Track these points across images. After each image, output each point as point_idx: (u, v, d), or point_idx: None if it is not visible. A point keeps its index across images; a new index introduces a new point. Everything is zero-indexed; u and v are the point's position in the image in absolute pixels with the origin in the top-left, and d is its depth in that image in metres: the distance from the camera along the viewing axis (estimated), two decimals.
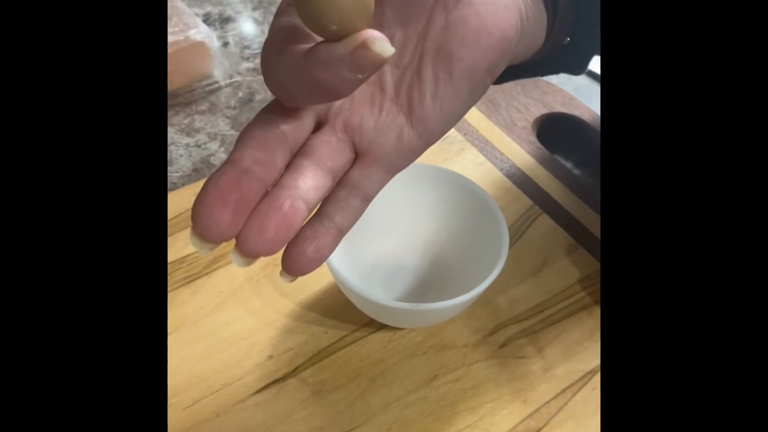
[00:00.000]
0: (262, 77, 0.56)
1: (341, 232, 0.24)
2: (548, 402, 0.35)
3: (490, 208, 0.37)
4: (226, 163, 0.21)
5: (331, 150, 0.24)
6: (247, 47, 0.60)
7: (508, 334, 0.38)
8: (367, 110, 0.26)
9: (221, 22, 0.62)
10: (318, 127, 0.25)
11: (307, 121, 0.24)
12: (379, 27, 0.25)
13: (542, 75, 0.33)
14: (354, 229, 0.38)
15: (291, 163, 0.24)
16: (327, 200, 0.25)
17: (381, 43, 0.18)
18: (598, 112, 0.52)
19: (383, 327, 0.37)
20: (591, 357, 0.37)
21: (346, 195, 0.25)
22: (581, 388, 0.35)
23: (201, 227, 0.20)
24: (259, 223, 0.21)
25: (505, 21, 0.25)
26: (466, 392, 0.35)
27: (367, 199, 0.26)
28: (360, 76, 0.19)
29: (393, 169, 0.26)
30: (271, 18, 0.64)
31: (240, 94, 0.55)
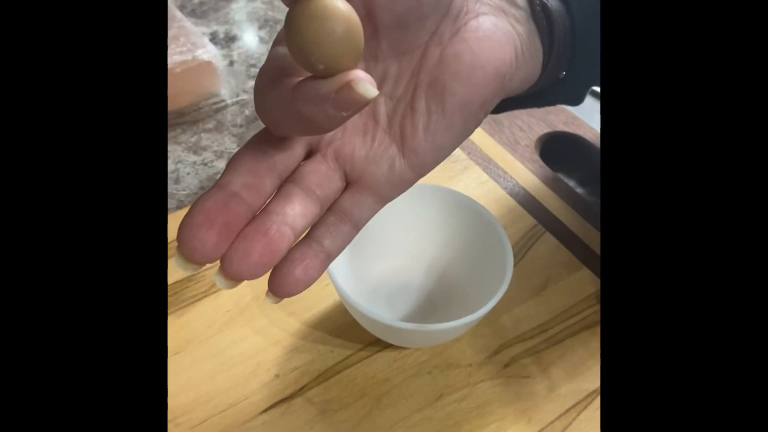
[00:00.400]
0: None
1: (329, 257, 0.24)
2: (552, 422, 0.35)
3: (494, 229, 0.37)
4: (215, 187, 0.22)
5: (320, 178, 0.25)
6: (253, 66, 0.60)
7: (512, 353, 0.38)
8: (359, 140, 0.26)
9: (227, 40, 0.63)
10: (309, 154, 0.26)
11: (298, 149, 0.24)
12: (375, 59, 0.25)
13: (539, 106, 0.33)
14: (360, 249, 0.38)
15: (280, 190, 0.24)
16: (317, 225, 0.25)
17: (365, 85, 0.19)
18: (594, 126, 0.53)
19: (389, 346, 0.38)
20: (594, 377, 0.37)
21: (336, 221, 0.25)
22: (585, 407, 0.36)
23: (186, 248, 0.20)
24: (245, 246, 0.21)
25: (498, 57, 0.25)
26: (471, 412, 0.35)
27: (357, 227, 0.26)
28: (344, 114, 0.19)
29: (384, 199, 0.26)
30: (276, 36, 0.64)
31: (246, 112, 0.56)
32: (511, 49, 0.26)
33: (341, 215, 0.25)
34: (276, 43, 0.24)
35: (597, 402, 0.36)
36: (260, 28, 0.65)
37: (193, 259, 0.21)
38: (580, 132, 0.53)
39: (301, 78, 0.20)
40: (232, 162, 0.23)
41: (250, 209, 0.22)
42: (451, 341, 0.38)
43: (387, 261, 0.40)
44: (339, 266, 0.35)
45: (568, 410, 0.35)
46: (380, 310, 0.38)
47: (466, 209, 0.39)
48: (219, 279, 0.21)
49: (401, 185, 0.27)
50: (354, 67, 0.19)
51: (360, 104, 0.19)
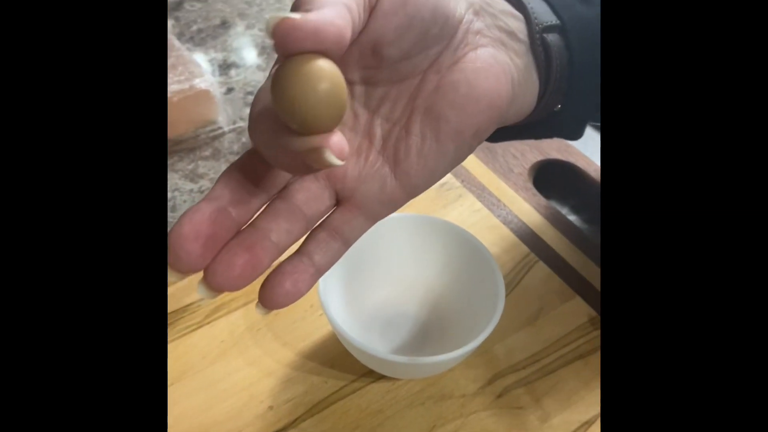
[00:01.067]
0: None
1: (319, 272, 0.25)
2: None
3: (486, 259, 0.37)
4: (204, 200, 0.22)
5: (309, 196, 0.25)
6: (250, 93, 0.61)
7: (505, 383, 0.38)
8: (352, 160, 0.26)
9: (225, 67, 0.64)
10: None
11: None
12: (375, 84, 0.26)
13: (536, 138, 0.34)
14: (353, 279, 0.39)
15: (268, 206, 0.24)
16: (308, 240, 0.26)
17: (330, 157, 0.20)
18: (593, 158, 0.54)
19: (382, 377, 0.38)
20: (587, 407, 0.37)
21: (327, 237, 0.26)
22: None
23: (173, 257, 0.21)
24: (228, 259, 0.22)
25: (494, 89, 0.26)
26: None
27: (347, 244, 0.26)
28: (315, 168, 0.20)
29: (374, 217, 0.27)
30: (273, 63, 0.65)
31: (243, 139, 0.56)
32: (508, 81, 0.27)
33: (332, 232, 0.26)
34: (275, 65, 0.24)
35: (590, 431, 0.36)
36: (258, 55, 0.66)
37: (178, 267, 0.21)
38: (572, 160, 0.53)
39: (282, 123, 0.21)
40: (223, 176, 0.23)
41: (236, 224, 0.23)
42: (444, 372, 0.38)
43: (380, 291, 0.41)
44: (332, 297, 0.36)
45: None
46: (374, 341, 0.38)
47: (459, 240, 0.39)
48: (201, 288, 0.22)
49: (391, 205, 0.27)
50: (332, 127, 0.20)
51: (326, 167, 0.20)
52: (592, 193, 0.52)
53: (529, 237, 0.47)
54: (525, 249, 0.46)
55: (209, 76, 0.56)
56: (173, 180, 0.52)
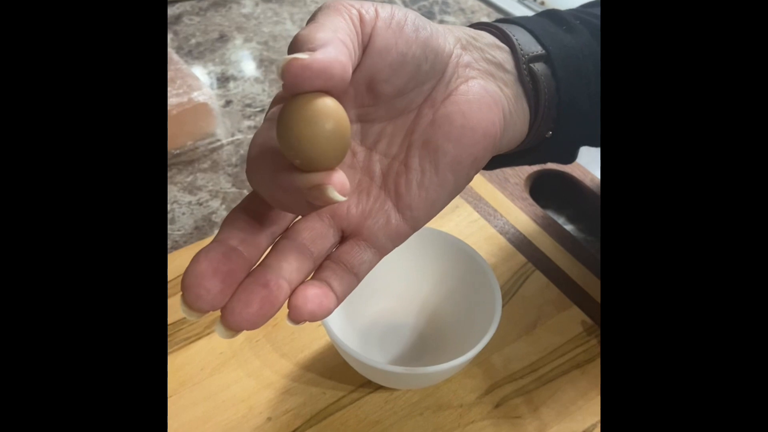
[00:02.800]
0: None
1: (338, 300, 0.25)
2: None
3: (483, 270, 0.38)
4: (214, 242, 0.22)
5: (315, 235, 0.25)
6: (248, 105, 0.62)
7: (503, 393, 0.38)
8: (354, 198, 0.27)
9: (223, 80, 0.65)
10: None
11: None
12: (372, 121, 0.27)
13: (529, 164, 0.34)
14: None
15: (275, 246, 0.25)
16: (322, 269, 0.25)
17: (334, 193, 0.20)
18: (589, 168, 0.54)
19: (380, 388, 0.38)
20: (585, 416, 0.37)
21: (340, 270, 0.25)
22: None
23: (192, 295, 0.21)
24: (245, 297, 0.22)
25: (488, 119, 0.27)
26: None
27: (358, 278, 0.26)
28: (316, 206, 0.21)
29: (382, 251, 0.27)
30: (272, 76, 0.66)
31: (241, 151, 0.57)
32: (500, 110, 0.27)
33: (343, 266, 0.26)
34: (274, 103, 0.25)
35: None
36: (256, 68, 0.67)
37: (198, 305, 0.21)
38: (569, 170, 0.54)
39: (283, 163, 0.21)
40: (228, 219, 0.23)
41: (248, 263, 0.23)
42: (442, 382, 0.39)
43: (378, 303, 0.41)
44: None
45: None
46: (372, 352, 0.38)
47: (456, 250, 0.39)
48: (219, 328, 0.22)
49: (397, 239, 0.27)
50: (335, 165, 0.20)
51: (329, 203, 0.20)
52: (588, 203, 0.52)
53: (525, 247, 0.47)
54: (522, 259, 0.46)
55: (207, 89, 0.56)
56: (172, 192, 0.52)
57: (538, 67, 0.30)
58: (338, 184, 0.20)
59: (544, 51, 0.30)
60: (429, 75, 0.26)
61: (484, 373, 0.39)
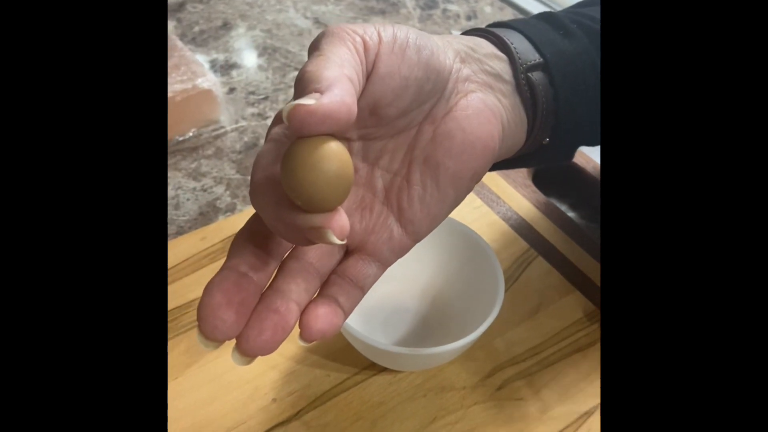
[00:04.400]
0: (266, 122, 0.58)
1: (345, 315, 0.26)
2: None
3: (486, 253, 0.38)
4: (225, 269, 0.23)
5: (321, 254, 0.26)
6: (252, 93, 0.62)
7: (505, 376, 0.39)
8: (357, 215, 0.27)
9: (227, 68, 0.65)
10: None
11: None
12: (374, 139, 0.27)
13: (528, 167, 0.34)
14: None
15: (283, 266, 0.25)
16: (329, 285, 0.26)
17: (332, 237, 0.20)
18: (592, 155, 0.54)
19: (384, 370, 0.38)
20: (586, 398, 0.38)
21: (346, 285, 0.26)
22: (577, 429, 0.36)
23: (209, 326, 0.22)
24: (259, 324, 0.22)
25: (487, 133, 0.27)
26: None
27: (363, 291, 0.27)
28: (316, 243, 0.21)
29: (385, 264, 0.28)
30: (275, 64, 0.66)
31: (245, 138, 0.57)
32: (498, 122, 0.28)
33: (349, 281, 0.26)
34: (275, 122, 0.25)
35: (588, 424, 0.37)
36: (259, 55, 0.67)
37: (215, 336, 0.22)
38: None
39: (285, 196, 0.21)
40: (236, 244, 0.24)
41: (259, 287, 0.23)
42: (445, 364, 0.39)
43: (381, 286, 0.41)
44: None
45: (560, 431, 0.36)
46: (375, 335, 0.39)
47: (458, 235, 0.40)
48: (235, 356, 0.23)
49: (400, 252, 0.28)
50: (336, 206, 0.21)
51: (327, 244, 0.21)
52: (590, 190, 0.52)
53: (528, 233, 0.48)
54: (524, 245, 0.47)
55: (211, 75, 0.56)
56: (176, 179, 0.52)
57: (536, 76, 0.30)
58: (337, 228, 0.20)
59: (542, 59, 0.30)
60: (431, 94, 0.26)
61: (487, 356, 0.40)
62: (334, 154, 0.20)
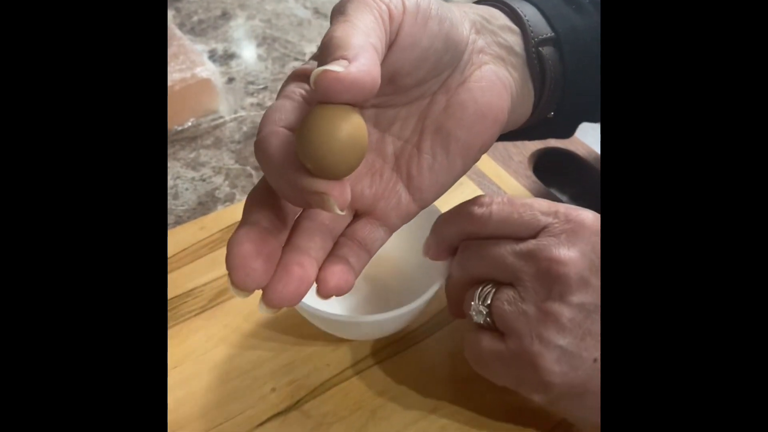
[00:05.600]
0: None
1: (356, 276, 0.27)
2: None
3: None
4: (247, 224, 0.23)
5: (332, 215, 0.26)
6: (251, 83, 0.61)
7: None
8: (367, 180, 0.28)
9: (226, 58, 0.64)
10: None
11: None
12: (388, 107, 0.27)
13: (530, 140, 0.35)
14: None
15: (299, 225, 0.26)
16: (340, 246, 0.27)
17: (333, 205, 0.21)
18: (593, 147, 0.54)
19: (384, 359, 0.38)
20: None
21: (356, 246, 0.27)
22: None
23: (241, 274, 0.22)
24: (286, 276, 0.23)
25: (498, 107, 0.27)
26: (466, 424, 0.36)
27: (370, 254, 0.27)
28: (314, 207, 0.22)
29: (392, 229, 0.28)
30: (274, 54, 0.65)
31: (244, 128, 0.57)
32: (508, 95, 0.28)
33: (358, 243, 0.27)
34: (291, 78, 0.25)
35: None
36: (258, 45, 0.67)
37: (246, 284, 0.23)
38: (573, 148, 0.54)
39: (293, 155, 0.21)
40: (252, 202, 0.24)
41: (280, 242, 0.24)
42: (445, 354, 0.39)
43: None
44: None
45: (560, 422, 0.36)
46: (331, 306, 0.38)
47: None
48: (262, 307, 0.24)
49: (407, 218, 0.28)
50: (344, 175, 0.21)
51: (327, 210, 0.21)
52: (591, 181, 0.52)
53: None
54: None
55: (210, 65, 0.56)
56: (175, 168, 0.52)
57: (547, 51, 0.30)
58: (339, 197, 0.21)
59: (553, 34, 0.30)
60: (447, 65, 0.27)
61: None
62: (352, 123, 0.20)
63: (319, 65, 0.20)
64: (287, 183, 0.21)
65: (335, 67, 0.20)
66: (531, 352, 0.27)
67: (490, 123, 0.27)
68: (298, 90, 0.24)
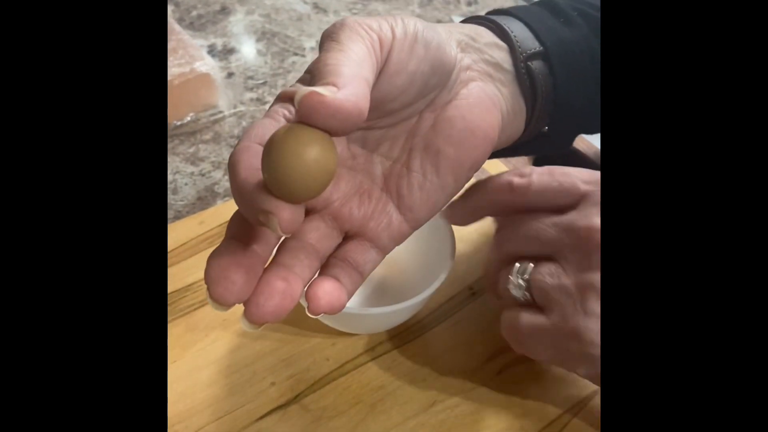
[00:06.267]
0: (265, 107, 0.58)
1: (349, 295, 0.26)
2: (545, 428, 0.35)
3: (440, 222, 0.38)
4: (228, 238, 0.23)
5: (320, 236, 0.26)
6: (250, 78, 0.61)
7: (505, 360, 0.38)
8: (355, 201, 0.27)
9: (225, 52, 0.64)
10: (307, 212, 0.26)
11: None
12: (373, 128, 0.27)
13: (526, 155, 0.35)
14: None
15: (284, 245, 0.25)
16: (329, 266, 0.26)
17: (276, 227, 0.20)
18: (594, 141, 0.54)
19: (383, 354, 0.38)
20: (586, 383, 0.37)
21: (347, 267, 0.26)
22: (579, 412, 0.36)
23: (219, 288, 0.22)
24: (268, 291, 0.22)
25: (488, 123, 0.27)
26: (465, 418, 0.36)
27: (363, 277, 0.27)
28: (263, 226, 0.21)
29: (384, 251, 0.28)
30: (274, 49, 0.65)
31: (243, 123, 0.56)
32: (498, 111, 0.28)
33: (350, 264, 0.26)
34: (278, 99, 0.24)
35: (589, 408, 0.36)
36: (258, 40, 0.66)
37: (225, 298, 0.22)
38: (573, 144, 0.53)
39: (257, 169, 0.21)
40: (235, 221, 0.24)
41: (263, 260, 0.23)
42: (445, 348, 0.39)
43: None
44: None
45: (560, 416, 0.36)
46: None
47: None
48: (244, 322, 0.23)
49: (399, 239, 0.28)
50: (302, 201, 0.20)
51: (271, 231, 0.20)
52: None
53: None
54: None
55: (209, 59, 0.56)
56: (174, 163, 0.52)
57: (536, 65, 0.30)
58: (284, 221, 0.20)
59: (542, 48, 0.30)
60: (435, 87, 0.26)
61: (488, 340, 0.39)
62: (321, 147, 0.19)
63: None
64: (242, 197, 0.21)
65: (322, 90, 0.19)
66: (575, 324, 0.26)
67: (480, 139, 0.27)
68: (282, 110, 0.23)
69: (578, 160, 0.53)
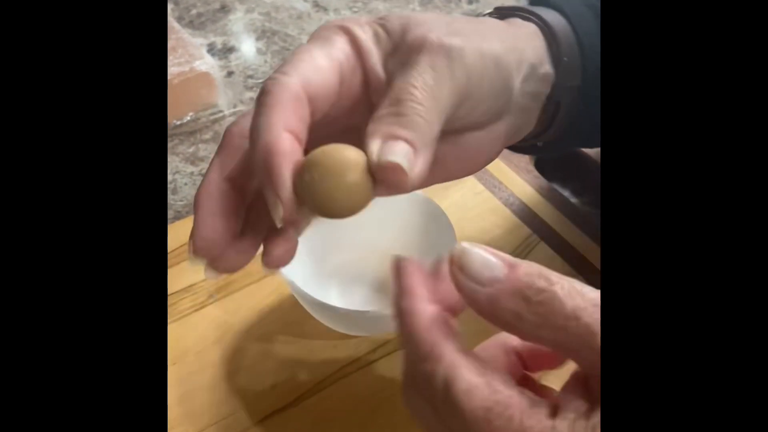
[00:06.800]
0: None
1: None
2: None
3: (442, 219, 0.38)
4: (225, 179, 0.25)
5: None
6: (250, 77, 0.61)
7: None
8: None
9: (225, 51, 0.64)
10: None
11: None
12: None
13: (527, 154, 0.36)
14: (311, 245, 0.38)
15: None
16: None
17: (278, 216, 0.22)
18: None
19: (384, 356, 0.38)
20: None
21: None
22: None
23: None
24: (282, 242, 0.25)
25: (484, 163, 0.30)
26: None
27: None
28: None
29: None
30: (273, 47, 0.65)
31: None
32: (502, 144, 0.30)
33: None
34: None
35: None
36: (258, 39, 0.66)
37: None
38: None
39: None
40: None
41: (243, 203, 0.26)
42: None
43: (339, 254, 0.41)
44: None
45: None
46: (331, 301, 0.38)
47: (417, 204, 0.40)
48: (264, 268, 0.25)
49: None
50: (341, 215, 0.22)
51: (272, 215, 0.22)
52: (593, 175, 0.52)
53: (530, 218, 0.47)
54: (527, 230, 0.46)
55: (209, 58, 0.56)
56: (174, 163, 0.52)
57: (567, 99, 0.30)
58: (287, 222, 0.22)
59: (580, 83, 0.30)
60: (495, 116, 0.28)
61: None
62: (353, 180, 0.21)
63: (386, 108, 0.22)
64: (270, 171, 0.22)
65: (404, 162, 0.21)
66: None
67: (481, 165, 0.30)
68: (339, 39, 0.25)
69: (580, 160, 0.53)
